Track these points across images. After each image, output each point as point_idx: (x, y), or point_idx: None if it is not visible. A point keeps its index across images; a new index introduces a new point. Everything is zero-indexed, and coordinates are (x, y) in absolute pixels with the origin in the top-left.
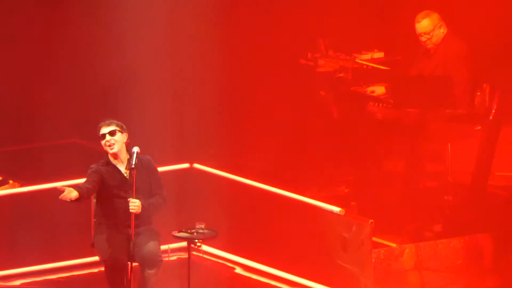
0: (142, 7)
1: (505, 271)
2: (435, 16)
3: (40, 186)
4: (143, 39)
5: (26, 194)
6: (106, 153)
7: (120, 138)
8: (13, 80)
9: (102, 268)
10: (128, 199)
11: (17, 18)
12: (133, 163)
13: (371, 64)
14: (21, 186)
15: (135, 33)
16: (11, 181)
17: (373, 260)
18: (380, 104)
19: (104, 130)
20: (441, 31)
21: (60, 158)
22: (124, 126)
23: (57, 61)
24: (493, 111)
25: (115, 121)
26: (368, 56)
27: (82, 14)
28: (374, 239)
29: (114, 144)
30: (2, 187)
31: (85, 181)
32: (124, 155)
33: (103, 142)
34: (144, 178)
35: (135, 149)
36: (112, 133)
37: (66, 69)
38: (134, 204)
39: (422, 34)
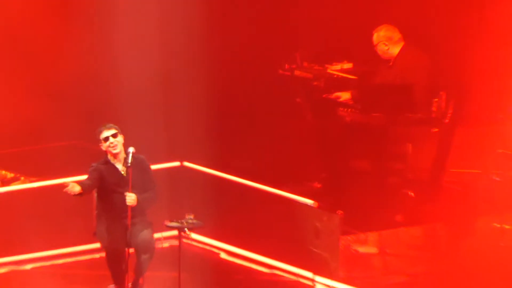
0: (136, 13)
1: (457, 256)
2: (383, 33)
3: (48, 182)
4: (136, 43)
5: (36, 189)
6: (105, 153)
7: (120, 140)
8: (18, 87)
9: (103, 254)
10: (125, 194)
11: (24, 21)
12: (129, 162)
13: (341, 74)
14: (31, 182)
15: (128, 37)
16: (22, 178)
17: (342, 246)
18: (349, 109)
19: (107, 133)
20: (385, 48)
21: (63, 157)
22: (119, 129)
23: (58, 70)
24: (449, 115)
25: (113, 125)
26: (338, 66)
27: (82, 19)
28: (343, 227)
29: (117, 145)
30: (14, 183)
31: (87, 178)
32: (122, 155)
33: (106, 144)
34: (138, 175)
35: (131, 150)
36: (114, 135)
37: (65, 75)
38: (131, 198)
39: (377, 45)
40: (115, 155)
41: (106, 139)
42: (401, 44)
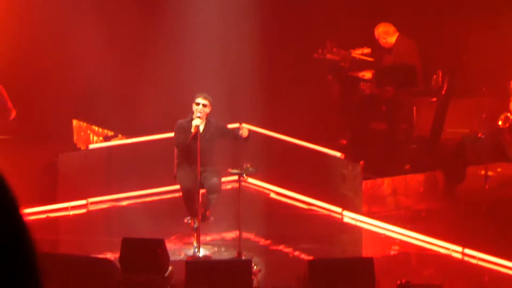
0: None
1: (452, 196)
2: (381, 29)
3: (139, 138)
4: (206, 30)
5: (130, 144)
6: (192, 112)
7: (207, 110)
8: (119, 60)
9: (181, 193)
10: (241, 126)
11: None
12: (199, 123)
13: (362, 57)
14: (127, 138)
15: (203, 28)
16: (120, 135)
17: (363, 188)
18: (368, 84)
19: (201, 100)
20: (384, 40)
21: (152, 119)
22: (212, 102)
23: (157, 44)
24: (445, 88)
25: (209, 97)
26: (360, 51)
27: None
28: (364, 174)
29: (202, 112)
30: (114, 139)
31: (178, 134)
32: (203, 118)
33: (196, 107)
34: (212, 134)
35: (197, 122)
36: (205, 105)
37: (162, 53)
38: (245, 129)
39: (378, 38)
40: (198, 117)
41: (198, 104)
42: (396, 34)
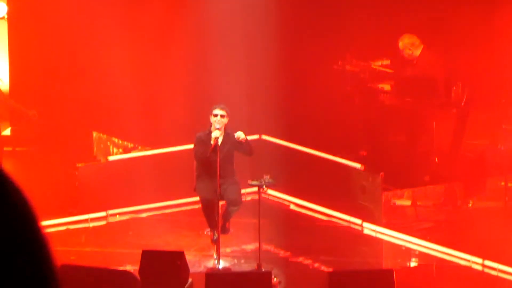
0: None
1: (472, 207)
2: (407, 40)
3: (158, 150)
4: (227, 44)
5: (149, 156)
6: (210, 124)
7: (225, 121)
8: (139, 81)
9: (201, 205)
10: (237, 134)
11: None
12: (218, 135)
13: (381, 68)
14: (146, 150)
15: (223, 40)
16: (139, 147)
17: (383, 200)
18: (387, 95)
19: (218, 112)
20: (409, 52)
21: (170, 132)
22: (229, 112)
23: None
24: (464, 99)
25: (226, 108)
26: (379, 63)
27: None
28: (384, 185)
29: (220, 124)
30: (134, 151)
31: (199, 146)
32: (222, 130)
33: (214, 119)
34: (230, 146)
35: (216, 134)
36: (222, 116)
37: (178, 75)
38: (241, 133)
39: (403, 50)
40: (217, 128)
41: (216, 115)
42: (421, 47)
